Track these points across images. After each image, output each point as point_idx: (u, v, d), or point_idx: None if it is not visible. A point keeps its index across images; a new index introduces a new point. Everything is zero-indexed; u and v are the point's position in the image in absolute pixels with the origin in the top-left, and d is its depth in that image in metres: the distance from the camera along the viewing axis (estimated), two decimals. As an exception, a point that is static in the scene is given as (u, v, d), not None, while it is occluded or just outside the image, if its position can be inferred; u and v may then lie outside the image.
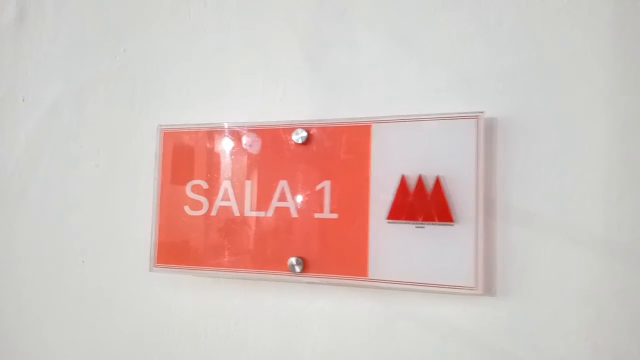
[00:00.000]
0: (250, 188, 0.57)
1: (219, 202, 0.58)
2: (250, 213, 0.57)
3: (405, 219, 0.51)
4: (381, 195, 0.52)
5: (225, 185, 0.58)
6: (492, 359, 0.50)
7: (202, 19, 0.65)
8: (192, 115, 0.63)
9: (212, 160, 0.59)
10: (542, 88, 0.51)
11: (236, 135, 0.58)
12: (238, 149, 0.58)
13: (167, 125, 0.61)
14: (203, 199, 0.59)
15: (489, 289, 0.50)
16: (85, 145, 0.70)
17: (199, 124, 0.60)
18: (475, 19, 0.53)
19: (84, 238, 0.69)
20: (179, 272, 0.60)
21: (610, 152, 0.48)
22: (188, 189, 0.60)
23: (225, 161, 0.59)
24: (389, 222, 0.51)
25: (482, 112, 0.50)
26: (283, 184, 0.56)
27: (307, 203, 0.55)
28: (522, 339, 0.49)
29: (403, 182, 0.51)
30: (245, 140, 0.58)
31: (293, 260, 0.55)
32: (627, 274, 0.47)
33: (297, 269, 0.54)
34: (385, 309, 0.54)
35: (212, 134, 0.60)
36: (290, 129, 0.56)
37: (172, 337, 0.63)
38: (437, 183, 0.50)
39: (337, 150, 0.54)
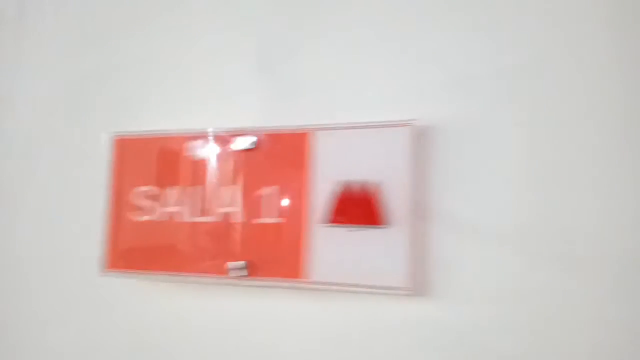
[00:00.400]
0: (198, 193, 0.59)
1: (167, 208, 0.60)
2: (198, 218, 0.59)
3: (342, 223, 0.53)
4: (319, 200, 0.54)
5: (174, 191, 0.60)
6: (424, 357, 0.52)
7: (157, 29, 0.67)
8: (144, 122, 0.64)
9: (161, 167, 0.61)
10: (473, 98, 0.53)
11: (185, 141, 0.60)
12: (186, 155, 0.60)
13: (118, 132, 0.63)
14: (152, 205, 0.60)
15: (420, 290, 0.52)
16: (45, 152, 0.71)
17: (149, 131, 0.62)
18: (412, 31, 0.55)
19: (37, 245, 0.70)
20: (129, 277, 0.61)
21: (534, 158, 0.50)
22: (137, 195, 0.61)
23: (174, 167, 0.60)
24: (326, 226, 0.53)
25: (414, 120, 0.52)
26: (230, 189, 0.58)
27: (253, 208, 0.57)
28: (452, 337, 0.51)
29: (340, 187, 0.53)
30: (193, 146, 0.60)
31: (238, 264, 0.56)
32: (551, 275, 0.49)
33: (242, 272, 0.56)
34: (323, 311, 0.55)
35: (161, 141, 0.61)
36: (237, 136, 0.58)
37: (124, 340, 0.64)
38: (372, 188, 0.52)
39: (281, 157, 0.56)
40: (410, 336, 0.52)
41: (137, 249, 0.61)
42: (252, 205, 0.56)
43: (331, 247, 0.53)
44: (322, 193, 0.54)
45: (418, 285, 0.52)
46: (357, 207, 0.52)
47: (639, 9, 0.49)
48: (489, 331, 0.50)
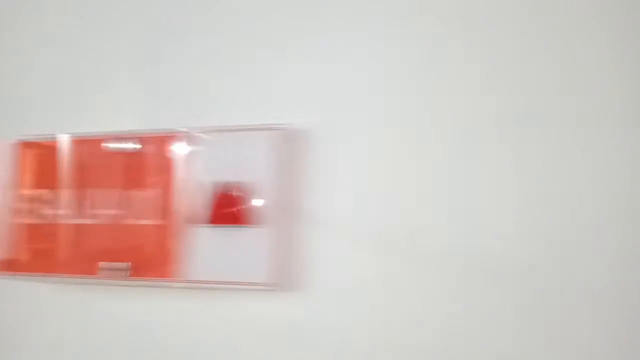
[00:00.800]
0: (82, 196, 0.59)
1: (53, 211, 0.60)
2: (82, 220, 0.59)
3: (216, 223, 0.54)
4: (194, 201, 0.55)
5: (60, 193, 0.60)
6: (292, 350, 0.53)
7: (38, 30, 0.67)
8: (29, 125, 0.64)
9: (47, 170, 0.61)
10: (343, 103, 0.55)
11: (68, 145, 0.60)
12: (72, 158, 0.60)
13: (4, 137, 0.63)
14: (39, 207, 0.60)
15: (288, 286, 0.53)
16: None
17: (34, 135, 0.62)
18: (285, 36, 0.57)
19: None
20: (16, 279, 0.61)
21: (398, 161, 0.52)
22: (25, 198, 0.61)
23: (61, 171, 0.60)
24: (201, 227, 0.54)
25: (285, 124, 0.54)
26: (113, 191, 0.58)
27: (133, 210, 0.57)
28: (318, 331, 0.53)
29: (214, 189, 0.54)
30: (78, 149, 0.60)
31: (119, 264, 0.56)
32: (415, 273, 0.51)
33: (124, 273, 0.56)
34: (200, 309, 0.57)
35: (46, 144, 0.61)
36: (118, 139, 0.58)
37: (10, 342, 0.64)
38: (245, 189, 0.53)
39: (159, 159, 0.57)
40: (279, 330, 0.54)
41: (23, 252, 0.61)
42: (132, 207, 0.57)
43: (206, 246, 0.54)
44: (197, 194, 0.55)
45: (286, 281, 0.53)
46: (231, 208, 0.53)
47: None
48: (352, 326, 0.52)
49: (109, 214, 0.58)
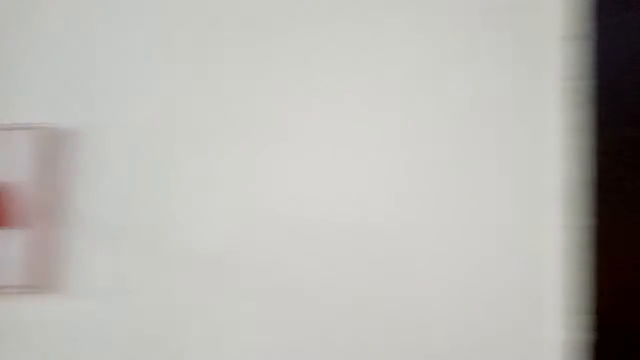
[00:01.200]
0: None
1: None
2: None
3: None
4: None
5: None
6: (53, 352, 0.55)
7: None
8: None
9: None
10: (107, 103, 0.57)
11: None
12: None
13: None
14: None
15: (49, 287, 0.55)
16: None
17: None
18: (52, 34, 0.58)
19: None
20: None
21: (166, 162, 0.56)
22: None
23: None
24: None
25: (48, 123, 0.55)
26: None
27: None
28: (79, 332, 0.55)
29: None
30: None
31: None
32: (172, 273, 0.54)
33: None
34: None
35: None
36: None
37: None
38: (5, 190, 0.53)
39: None
40: (41, 332, 0.55)
41: None
42: None
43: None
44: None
45: (46, 283, 0.54)
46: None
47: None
48: (114, 326, 0.54)
49: None
